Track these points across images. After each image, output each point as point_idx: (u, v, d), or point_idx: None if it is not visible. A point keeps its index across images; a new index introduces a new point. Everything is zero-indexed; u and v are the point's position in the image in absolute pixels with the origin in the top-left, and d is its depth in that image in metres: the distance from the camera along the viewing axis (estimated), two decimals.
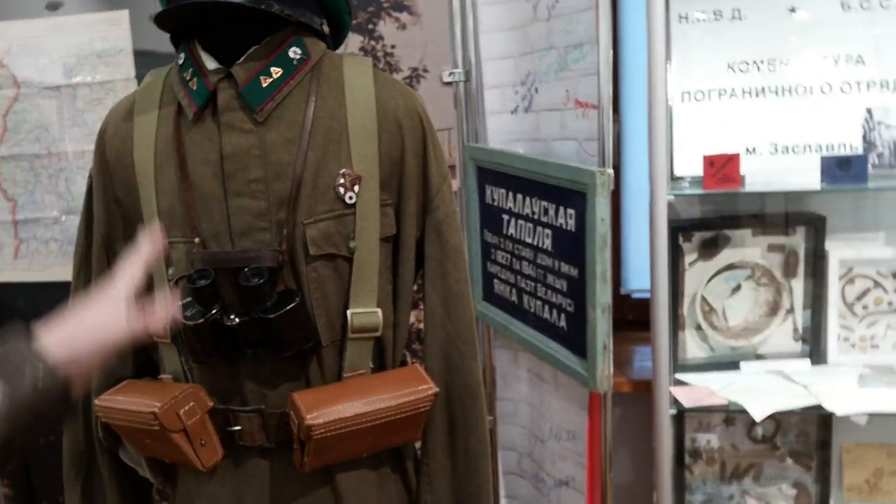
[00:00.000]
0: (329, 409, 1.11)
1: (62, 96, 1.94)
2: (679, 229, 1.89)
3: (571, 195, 1.68)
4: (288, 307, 1.11)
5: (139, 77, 1.91)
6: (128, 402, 1.18)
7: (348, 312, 1.19)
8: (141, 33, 1.92)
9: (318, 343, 1.18)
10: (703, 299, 1.93)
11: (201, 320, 1.12)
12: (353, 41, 2.17)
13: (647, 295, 1.79)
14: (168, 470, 1.30)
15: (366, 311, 1.19)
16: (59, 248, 1.98)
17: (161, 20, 1.14)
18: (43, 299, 2.03)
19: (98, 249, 1.28)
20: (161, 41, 1.24)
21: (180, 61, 1.20)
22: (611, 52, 1.65)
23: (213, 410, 1.18)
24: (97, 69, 1.91)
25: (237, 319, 1.12)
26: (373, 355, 1.23)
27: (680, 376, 1.89)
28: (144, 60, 1.93)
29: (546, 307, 1.83)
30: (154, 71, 1.27)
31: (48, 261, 2.02)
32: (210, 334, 1.13)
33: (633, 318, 2.45)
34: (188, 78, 1.18)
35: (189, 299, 1.15)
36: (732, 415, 1.96)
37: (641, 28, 1.72)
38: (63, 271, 1.84)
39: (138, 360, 1.31)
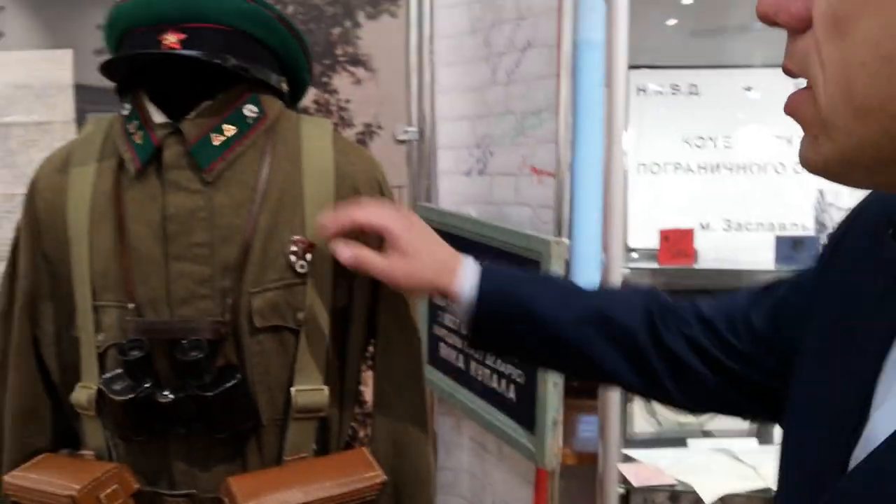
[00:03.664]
0: (267, 497, 1.02)
1: None
2: None
3: (524, 262, 1.64)
4: (228, 385, 1.03)
5: (78, 118, 1.81)
6: (42, 481, 1.07)
7: (292, 390, 1.11)
8: (84, 67, 1.83)
9: (258, 423, 1.10)
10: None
11: (131, 395, 1.03)
12: (308, 94, 2.12)
13: None
14: None
15: (311, 389, 1.11)
16: None
17: (108, 69, 1.06)
18: None
19: (21, 309, 1.17)
20: (105, 82, 1.16)
21: (125, 112, 1.12)
22: (570, 119, 1.63)
23: (138, 493, 1.08)
24: (33, 108, 1.81)
25: (171, 396, 1.03)
26: (316, 437, 1.15)
27: (627, 451, 1.85)
28: (86, 96, 1.84)
29: (494, 376, 1.77)
30: (95, 119, 1.19)
31: None
32: (139, 411, 1.04)
33: (577, 385, 2.41)
34: (132, 131, 1.10)
35: (118, 371, 1.05)
36: (678, 493, 1.92)
37: (598, 97, 1.71)
38: None
39: (58, 431, 1.21)
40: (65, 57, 1.79)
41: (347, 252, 1.03)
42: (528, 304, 0.95)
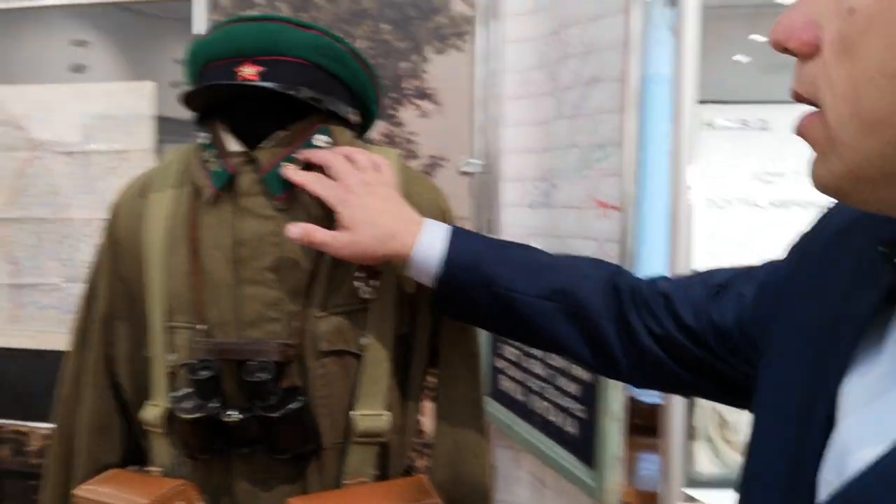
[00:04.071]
0: None
1: (76, 162, 1.92)
2: None
3: None
4: (292, 406, 1.05)
5: (156, 147, 1.89)
6: (111, 494, 1.10)
7: (353, 414, 1.12)
8: (164, 99, 1.90)
9: (319, 445, 1.11)
10: (716, 411, 1.86)
11: (199, 414, 1.05)
12: (375, 126, 2.17)
13: (655, 400, 1.72)
14: None
15: (372, 414, 1.13)
16: (57, 316, 1.93)
17: (187, 99, 1.11)
18: (34, 367, 1.97)
19: (98, 327, 1.22)
20: (184, 111, 1.21)
21: (203, 141, 1.16)
22: (636, 153, 1.63)
23: None
24: (115, 137, 1.89)
25: (237, 416, 1.06)
26: (376, 462, 1.16)
27: (689, 491, 1.81)
28: (166, 126, 1.91)
29: (554, 410, 1.76)
30: (174, 149, 1.24)
31: (43, 328, 1.96)
32: (206, 429, 1.07)
33: (640, 422, 2.37)
34: (209, 159, 1.14)
35: (187, 390, 1.09)
36: None
37: (665, 131, 1.70)
38: (58, 340, 1.78)
39: (128, 448, 1.24)
40: (146, 88, 1.87)
41: (295, 230, 1.05)
42: (491, 276, 0.99)
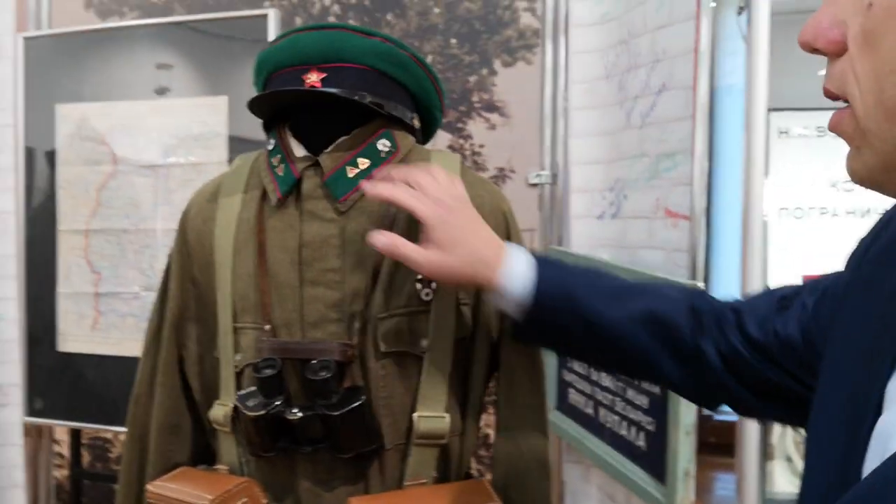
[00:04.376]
0: None
1: (156, 175, 2.00)
2: None
3: None
4: (353, 405, 1.06)
5: (231, 160, 1.95)
6: (180, 490, 1.13)
7: (415, 415, 1.13)
8: (238, 120, 1.96)
9: (381, 446, 1.12)
10: (797, 429, 1.80)
11: (263, 412, 1.08)
12: (442, 139, 2.19)
13: (730, 418, 1.67)
14: None
15: (433, 416, 1.13)
16: (136, 323, 2.00)
17: (254, 106, 1.14)
18: (114, 373, 2.04)
19: (169, 329, 1.26)
20: (255, 128, 1.25)
21: (270, 147, 1.20)
22: (706, 162, 1.60)
23: None
24: (192, 151, 1.96)
25: (299, 414, 1.08)
26: (437, 464, 1.16)
27: None
28: (238, 146, 1.97)
29: (624, 424, 1.73)
30: (243, 155, 1.28)
31: (124, 335, 2.04)
32: (270, 427, 1.09)
33: (715, 441, 2.31)
34: (276, 164, 1.17)
35: (252, 389, 1.11)
36: None
37: (738, 139, 1.66)
38: (137, 347, 1.85)
39: (197, 447, 1.28)
40: (220, 103, 1.94)
41: (382, 239, 1.02)
42: (584, 305, 0.95)
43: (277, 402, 1.08)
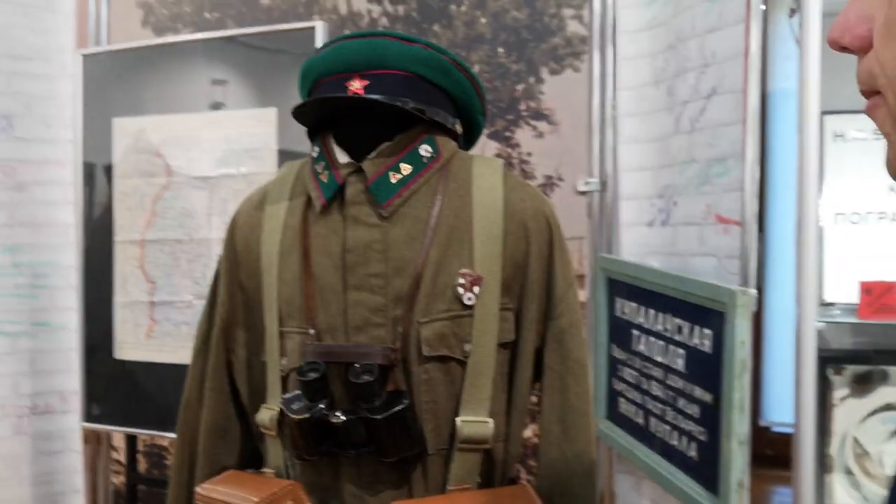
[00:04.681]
0: None
1: (208, 187, 2.04)
2: (828, 360, 1.73)
3: (708, 314, 1.57)
4: (396, 409, 1.07)
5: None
6: (227, 493, 1.15)
7: (458, 420, 1.12)
8: (287, 131, 1.99)
9: (424, 450, 1.12)
10: (856, 441, 1.74)
11: (307, 415, 1.09)
12: (490, 147, 2.19)
13: (790, 429, 1.63)
14: None
15: (476, 420, 1.12)
16: (189, 331, 2.03)
17: (299, 113, 1.16)
18: (169, 380, 2.09)
19: (218, 334, 1.28)
20: (304, 140, 1.27)
21: (314, 154, 1.21)
22: (757, 167, 1.57)
23: None
24: (243, 162, 2.00)
25: (343, 417, 1.08)
26: (481, 469, 1.15)
27: None
28: (288, 158, 2.00)
29: (675, 433, 1.69)
30: (288, 163, 1.30)
31: (177, 343, 2.08)
32: (314, 430, 1.10)
33: (772, 453, 2.25)
34: (320, 171, 1.19)
35: (297, 392, 1.12)
36: None
37: (792, 143, 1.63)
38: (190, 354, 1.89)
39: (245, 450, 1.30)
40: (269, 115, 1.98)
41: None
42: None
43: (321, 406, 1.09)
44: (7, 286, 2.29)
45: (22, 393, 2.34)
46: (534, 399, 1.24)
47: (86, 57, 2.22)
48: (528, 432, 2.07)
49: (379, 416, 1.07)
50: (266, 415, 1.19)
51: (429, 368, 1.12)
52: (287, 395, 1.13)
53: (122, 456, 2.46)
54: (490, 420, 1.13)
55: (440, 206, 1.15)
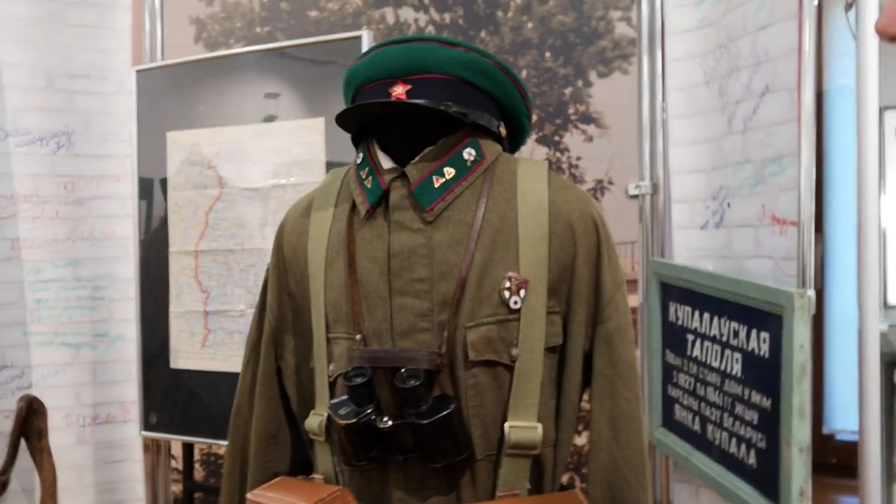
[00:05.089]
0: None
1: (259, 197, 2.07)
2: (893, 364, 1.67)
3: (765, 317, 1.54)
4: (442, 413, 1.06)
5: None
6: (277, 498, 1.16)
7: (506, 425, 1.11)
8: (334, 140, 2.00)
9: (472, 456, 1.11)
10: None
11: (354, 420, 1.08)
12: (539, 153, 2.18)
13: (855, 437, 1.57)
14: None
15: (525, 426, 1.11)
16: (242, 340, 2.06)
17: (343, 120, 1.17)
18: (223, 388, 2.11)
19: (267, 341, 1.29)
20: (350, 149, 1.28)
21: (358, 160, 1.22)
22: (814, 166, 1.53)
23: None
24: (292, 172, 2.02)
25: (390, 422, 1.08)
26: (530, 475, 1.13)
27: None
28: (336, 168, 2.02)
29: (733, 440, 1.65)
30: (334, 170, 1.30)
31: (231, 352, 2.11)
32: (361, 436, 1.09)
33: (836, 461, 2.18)
34: (364, 176, 1.19)
35: (344, 397, 1.12)
36: None
37: (851, 140, 1.58)
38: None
39: (296, 457, 1.30)
40: (318, 124, 2.00)
41: None
42: None
43: (368, 411, 1.09)
44: (69, 299, 2.36)
45: (84, 403, 2.40)
46: (586, 406, 1.22)
47: (140, 73, 2.28)
48: (582, 439, 2.04)
49: (425, 421, 1.06)
50: (315, 421, 1.19)
51: (476, 373, 1.11)
52: (334, 401, 1.13)
53: (180, 464, 2.50)
54: (539, 425, 1.11)
55: (485, 209, 1.14)
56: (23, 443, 2.12)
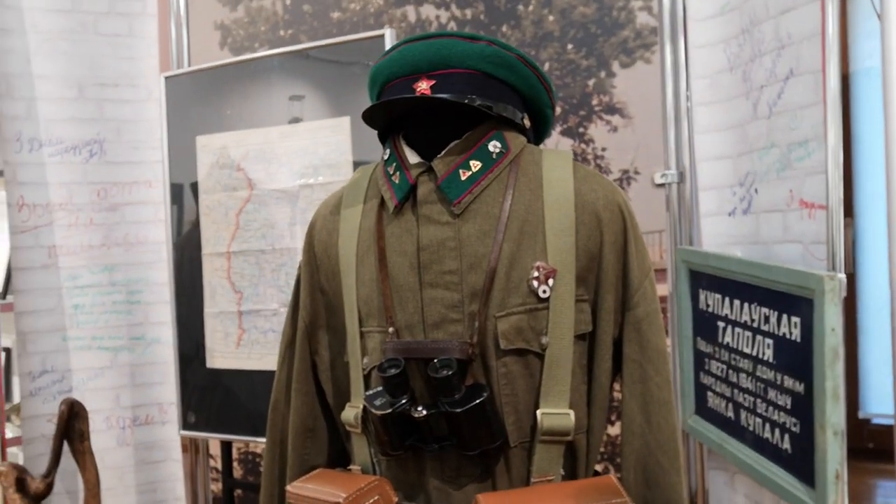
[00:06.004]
0: None
1: (288, 197, 2.10)
2: None
3: (796, 302, 1.53)
4: (475, 402, 1.08)
5: None
6: (316, 490, 1.18)
7: (538, 412, 1.12)
8: (360, 139, 2.03)
9: (506, 443, 1.12)
10: None
11: (389, 410, 1.11)
12: (564, 145, 2.18)
13: (891, 421, 1.56)
14: None
15: (557, 413, 1.12)
16: (276, 338, 2.09)
17: (369, 116, 1.19)
18: (259, 386, 2.15)
19: (301, 337, 1.32)
20: (376, 147, 1.30)
21: (385, 156, 1.24)
22: (841, 149, 1.52)
23: None
24: (320, 172, 2.05)
25: (424, 412, 1.10)
26: (564, 461, 1.15)
27: None
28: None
29: (767, 426, 1.65)
30: (362, 167, 1.32)
31: (265, 350, 2.14)
32: (397, 426, 1.12)
33: (873, 446, 2.16)
34: (391, 172, 1.21)
35: (379, 389, 1.14)
36: None
37: (879, 123, 1.57)
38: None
39: (333, 449, 1.33)
40: (343, 123, 2.02)
41: None
42: None
43: (403, 401, 1.11)
44: (105, 303, 2.41)
45: (124, 405, 2.45)
46: (618, 396, 1.23)
47: (168, 79, 2.32)
48: (616, 429, 2.05)
49: (459, 410, 1.08)
50: (351, 413, 1.22)
51: (507, 362, 1.13)
52: (370, 392, 1.15)
53: (218, 463, 2.54)
54: (571, 412, 1.13)
55: (511, 200, 1.15)
56: (66, 446, 2.16)
